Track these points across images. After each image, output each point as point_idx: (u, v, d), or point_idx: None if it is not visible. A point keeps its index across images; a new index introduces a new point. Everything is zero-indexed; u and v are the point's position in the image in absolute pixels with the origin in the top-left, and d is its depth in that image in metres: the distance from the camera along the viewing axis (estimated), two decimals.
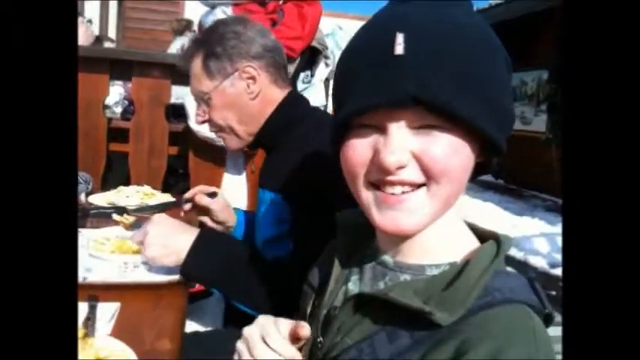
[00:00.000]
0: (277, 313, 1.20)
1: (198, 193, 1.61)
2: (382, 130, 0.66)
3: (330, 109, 3.02)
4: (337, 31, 4.98)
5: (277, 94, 1.43)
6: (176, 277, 1.27)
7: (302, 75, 2.55)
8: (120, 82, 2.76)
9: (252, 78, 1.38)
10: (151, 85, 2.53)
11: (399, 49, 0.63)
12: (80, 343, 0.89)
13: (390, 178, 0.66)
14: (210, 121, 1.44)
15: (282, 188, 1.33)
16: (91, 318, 1.04)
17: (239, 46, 1.38)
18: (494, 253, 0.68)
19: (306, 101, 1.52)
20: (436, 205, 0.68)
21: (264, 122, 1.42)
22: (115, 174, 2.76)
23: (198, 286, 1.54)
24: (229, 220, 1.64)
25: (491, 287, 0.65)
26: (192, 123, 2.43)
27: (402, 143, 0.65)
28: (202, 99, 1.42)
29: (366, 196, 0.70)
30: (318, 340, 0.76)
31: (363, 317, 0.71)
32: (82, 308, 1.08)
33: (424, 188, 0.67)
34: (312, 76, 2.60)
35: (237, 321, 1.11)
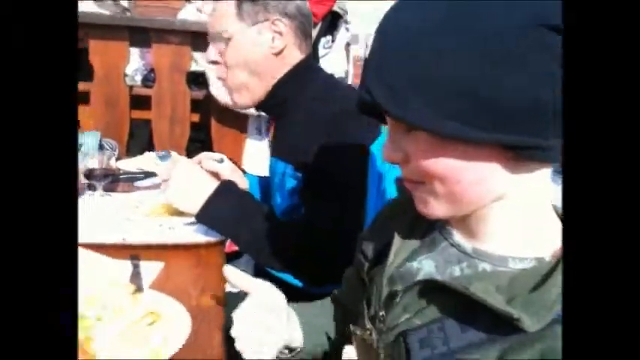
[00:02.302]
0: (284, 268, 1.23)
1: (203, 159, 1.59)
2: None
3: (350, 75, 3.00)
4: None
5: (296, 59, 1.39)
6: (213, 238, 1.30)
7: (323, 40, 2.53)
8: (137, 50, 2.75)
9: (280, 33, 1.35)
10: (171, 52, 2.52)
11: (368, 50, 0.64)
12: (131, 299, 0.92)
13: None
14: (222, 64, 1.38)
15: (292, 159, 1.32)
16: (136, 275, 1.06)
17: None
18: None
19: (320, 69, 1.49)
20: (444, 201, 0.65)
21: (275, 82, 1.38)
22: (137, 141, 2.78)
23: (228, 247, 1.56)
24: (240, 185, 1.65)
25: None
26: (214, 89, 2.43)
27: (395, 142, 0.65)
28: (222, 38, 1.36)
29: None
30: (380, 313, 0.73)
31: (434, 301, 0.67)
32: (126, 267, 1.11)
33: (427, 186, 0.65)
34: (332, 41, 2.58)
35: None
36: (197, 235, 1.32)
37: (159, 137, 2.57)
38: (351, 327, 0.81)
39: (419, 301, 0.69)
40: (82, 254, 1.15)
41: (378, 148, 1.25)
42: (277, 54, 1.37)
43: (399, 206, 0.83)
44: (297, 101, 1.35)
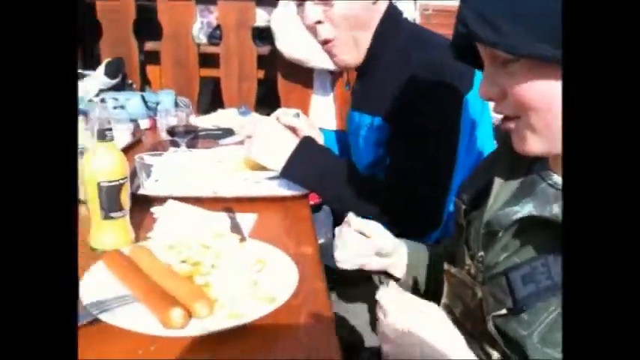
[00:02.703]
0: (374, 219, 1.26)
1: (280, 114, 1.60)
2: None
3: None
4: None
5: (384, 6, 1.36)
6: (298, 191, 1.34)
7: None
8: (201, 8, 2.76)
9: None
10: (236, 9, 2.53)
11: None
12: (238, 247, 0.97)
13: (494, 105, 0.71)
14: (328, 22, 1.32)
15: (381, 110, 1.31)
16: (236, 226, 1.11)
17: None
18: None
19: (403, 16, 1.44)
20: (540, 136, 0.68)
21: (373, 33, 1.34)
22: (204, 99, 2.83)
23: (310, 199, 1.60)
24: (317, 140, 1.66)
25: None
26: (280, 44, 2.43)
27: (491, 78, 0.69)
28: None
29: None
30: (479, 254, 0.78)
31: (533, 239, 0.71)
32: (224, 219, 1.16)
33: (523, 119, 0.68)
34: None
35: None
36: (282, 189, 1.36)
37: (227, 94, 2.62)
38: (446, 266, 0.86)
39: (518, 240, 0.73)
40: (184, 207, 1.21)
41: (473, 96, 1.24)
42: (374, 2, 1.33)
43: (498, 155, 0.86)
44: (390, 49, 1.32)
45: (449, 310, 0.84)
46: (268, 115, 1.69)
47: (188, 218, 1.16)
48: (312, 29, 1.35)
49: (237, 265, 0.90)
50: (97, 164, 0.96)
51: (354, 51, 1.36)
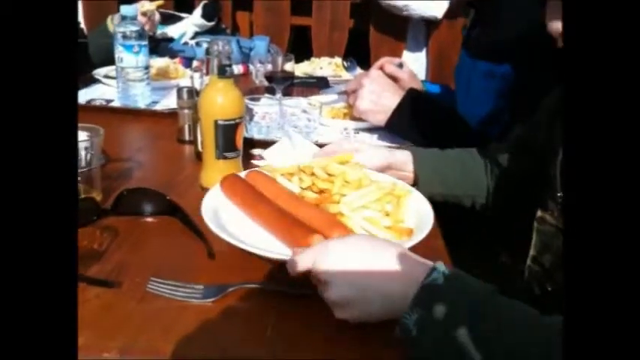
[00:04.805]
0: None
1: (385, 63, 1.58)
2: None
3: None
4: None
5: None
6: (401, 143, 1.31)
7: None
8: None
9: None
10: None
11: None
12: (366, 176, 0.90)
13: None
14: None
15: (501, 58, 1.26)
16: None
17: None
18: None
19: None
20: None
21: None
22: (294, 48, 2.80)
23: None
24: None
25: None
26: None
27: None
28: None
29: None
30: (558, 194, 0.79)
31: None
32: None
33: None
34: None
35: None
36: (382, 140, 1.35)
37: (318, 43, 2.57)
38: (539, 212, 0.85)
39: None
40: (297, 139, 1.20)
41: None
42: None
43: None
44: None
45: (537, 263, 0.84)
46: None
47: (301, 150, 1.16)
48: None
49: (367, 195, 0.85)
50: (216, 102, 0.95)
51: None
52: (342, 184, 0.87)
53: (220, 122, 0.95)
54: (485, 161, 1.09)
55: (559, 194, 0.79)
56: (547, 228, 0.83)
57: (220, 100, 0.95)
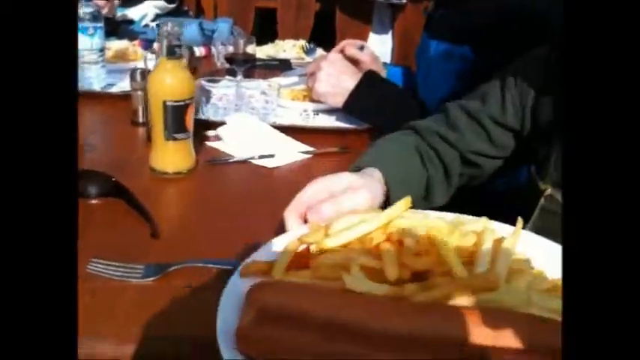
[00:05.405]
0: None
1: (346, 45, 1.57)
2: None
3: None
4: None
5: None
6: (359, 125, 1.31)
7: None
8: None
9: None
10: None
11: None
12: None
13: None
14: None
15: (460, 39, 1.26)
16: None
17: None
18: None
19: None
20: None
21: None
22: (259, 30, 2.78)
23: None
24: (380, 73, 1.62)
25: None
26: None
27: None
28: None
29: None
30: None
31: None
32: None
33: None
34: None
35: None
36: (341, 122, 1.34)
37: (283, 26, 2.55)
38: (549, 190, 0.80)
39: None
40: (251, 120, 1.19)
41: None
42: None
43: None
44: None
45: None
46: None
47: (255, 130, 1.16)
48: None
49: None
50: (164, 82, 0.94)
51: None
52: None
53: (169, 103, 0.94)
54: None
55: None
56: (555, 208, 0.78)
57: (169, 81, 0.94)
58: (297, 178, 1.04)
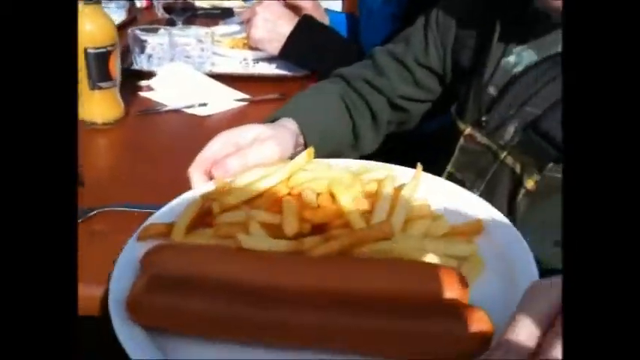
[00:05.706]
0: None
1: None
2: None
3: None
4: None
5: None
6: (297, 72, 1.30)
7: None
8: None
9: None
10: None
11: None
12: None
13: None
14: None
15: None
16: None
17: None
18: None
19: None
20: None
21: None
22: None
23: None
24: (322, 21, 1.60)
25: None
26: None
27: None
28: None
29: None
30: (483, 119, 0.75)
31: (545, 85, 0.69)
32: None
33: None
34: None
35: None
36: (281, 70, 1.33)
37: None
38: (469, 130, 0.79)
39: (529, 88, 0.70)
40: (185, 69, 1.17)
41: None
42: None
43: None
44: None
45: (454, 179, 0.78)
46: None
47: (188, 79, 1.14)
48: None
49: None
50: (83, 29, 0.91)
51: None
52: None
53: (90, 50, 0.91)
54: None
55: (484, 118, 0.76)
56: (473, 146, 0.78)
57: (88, 28, 0.91)
58: (232, 126, 1.02)
